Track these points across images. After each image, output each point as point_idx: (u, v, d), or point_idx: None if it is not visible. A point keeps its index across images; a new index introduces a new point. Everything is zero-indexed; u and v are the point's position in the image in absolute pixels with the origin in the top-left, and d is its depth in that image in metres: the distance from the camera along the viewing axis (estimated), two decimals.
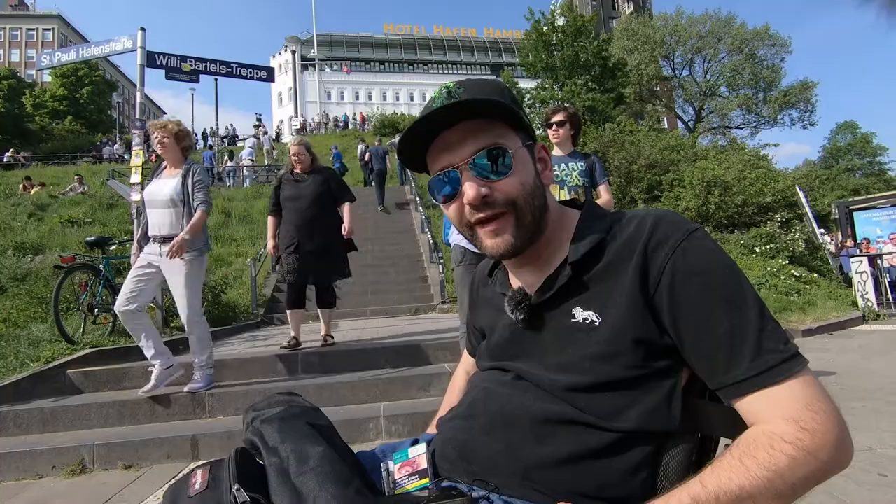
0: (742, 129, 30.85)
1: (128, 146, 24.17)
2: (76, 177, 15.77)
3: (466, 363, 1.09)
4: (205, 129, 33.62)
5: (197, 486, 0.70)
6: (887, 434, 2.73)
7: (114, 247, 6.07)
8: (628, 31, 30.62)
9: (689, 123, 31.35)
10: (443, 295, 8.01)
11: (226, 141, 26.43)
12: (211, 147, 23.86)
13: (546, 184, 0.82)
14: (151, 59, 5.90)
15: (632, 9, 46.11)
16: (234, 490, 0.66)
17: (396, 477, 0.82)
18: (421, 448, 0.84)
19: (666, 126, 30.78)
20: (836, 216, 13.90)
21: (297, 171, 4.21)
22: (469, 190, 0.75)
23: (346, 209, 4.28)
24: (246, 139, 24.94)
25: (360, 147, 17.22)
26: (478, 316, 1.00)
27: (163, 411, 3.37)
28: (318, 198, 4.12)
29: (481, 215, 0.77)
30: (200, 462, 0.75)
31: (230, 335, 6.13)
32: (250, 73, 6.85)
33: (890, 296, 8.60)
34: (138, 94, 5.73)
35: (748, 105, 29.93)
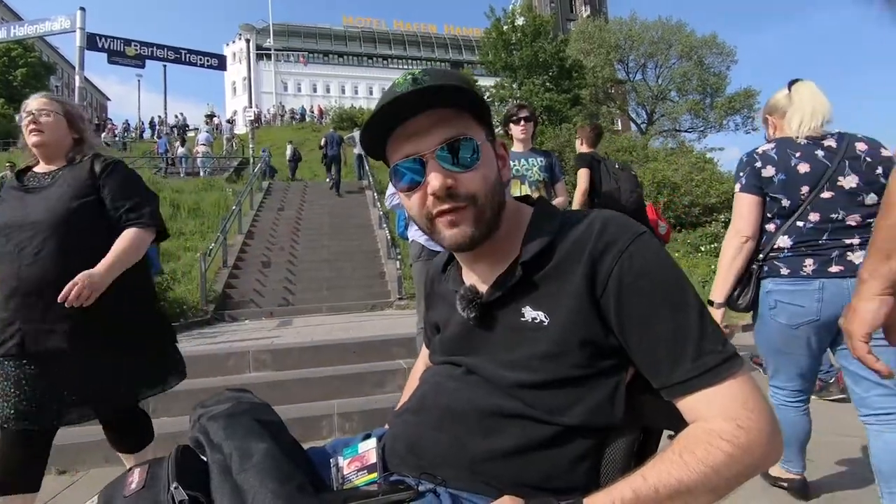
0: (690, 132, 32.05)
1: None
2: (8, 164, 14.69)
3: (426, 356, 1.09)
4: (152, 118, 32.15)
5: (133, 486, 0.67)
6: (814, 421, 2.91)
7: None
8: (585, 33, 31.29)
9: (642, 126, 32.33)
10: (400, 291, 7.98)
11: (175, 131, 25.33)
12: (168, 133, 23.06)
13: (504, 180, 0.82)
14: (92, 41, 5.58)
15: (588, 12, 47.18)
16: (171, 488, 0.64)
17: (345, 472, 0.81)
18: (371, 443, 0.84)
19: (620, 128, 31.69)
20: None
21: (38, 167, 1.92)
22: (434, 180, 0.73)
23: (128, 238, 1.80)
24: (198, 128, 24.09)
25: (290, 148, 17.32)
26: (432, 311, 1.00)
27: None
28: (69, 218, 1.76)
29: (443, 207, 0.75)
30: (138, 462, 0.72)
31: (178, 332, 5.89)
32: (200, 60, 6.60)
33: None
34: (77, 77, 5.41)
35: (696, 110, 31.13)
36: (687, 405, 0.69)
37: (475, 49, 41.62)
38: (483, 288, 0.82)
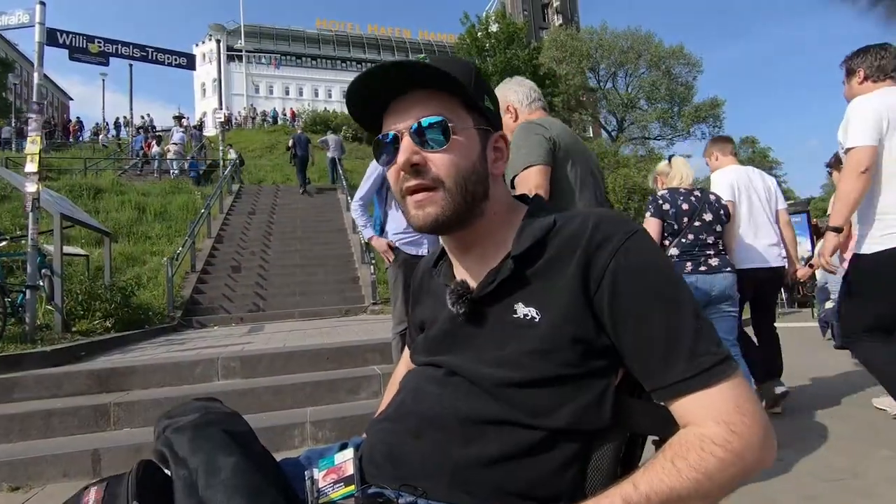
0: (659, 140, 32.84)
1: (19, 132, 21.95)
2: None
3: (407, 358, 1.06)
4: (117, 119, 31.26)
5: None
6: (787, 420, 2.99)
7: (3, 243, 5.47)
8: (557, 42, 31.75)
9: (612, 133, 32.97)
10: (374, 296, 7.91)
11: (142, 132, 24.65)
12: (143, 130, 22.58)
13: (495, 173, 0.81)
14: (52, 37, 5.36)
15: (561, 20, 47.94)
16: None
17: (321, 485, 0.77)
18: (348, 453, 0.80)
19: (591, 135, 32.26)
20: None
21: None
22: (401, 155, 0.75)
23: None
24: (170, 129, 23.52)
25: (232, 152, 17.07)
26: (419, 309, 0.97)
27: (59, 424, 3.05)
28: None
29: (411, 183, 0.76)
30: (96, 479, 0.67)
31: (143, 339, 5.70)
32: (168, 59, 6.42)
33: (783, 296, 9.60)
34: (36, 74, 5.19)
35: (664, 118, 31.92)
36: (680, 407, 0.67)
37: (449, 55, 41.84)
38: (474, 283, 0.80)
